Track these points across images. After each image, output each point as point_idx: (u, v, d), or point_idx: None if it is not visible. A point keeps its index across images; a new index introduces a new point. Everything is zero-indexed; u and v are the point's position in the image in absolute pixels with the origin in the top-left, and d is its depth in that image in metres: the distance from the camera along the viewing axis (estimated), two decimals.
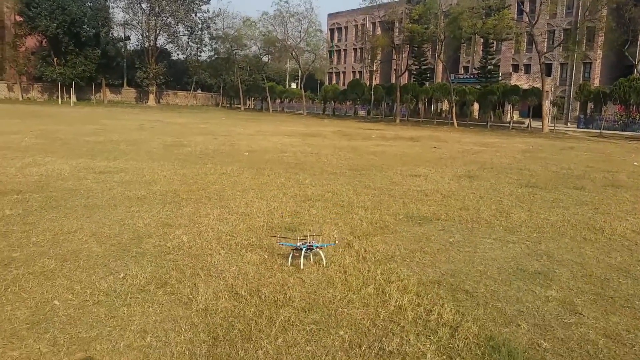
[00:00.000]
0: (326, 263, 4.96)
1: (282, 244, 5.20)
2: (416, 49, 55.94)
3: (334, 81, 79.95)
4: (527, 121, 43.96)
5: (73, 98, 61.71)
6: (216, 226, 6.33)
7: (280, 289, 4.36)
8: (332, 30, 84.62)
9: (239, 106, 72.03)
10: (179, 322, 3.70)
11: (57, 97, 62.52)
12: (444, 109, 57.30)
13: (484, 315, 4.06)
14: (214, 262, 4.99)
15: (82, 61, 61.80)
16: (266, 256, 5.23)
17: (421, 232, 6.61)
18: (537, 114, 43.19)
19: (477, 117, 52.33)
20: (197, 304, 3.99)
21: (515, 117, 49.71)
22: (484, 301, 4.36)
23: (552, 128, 40.65)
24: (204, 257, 5.14)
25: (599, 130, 38.27)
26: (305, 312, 3.95)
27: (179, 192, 8.39)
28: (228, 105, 77.41)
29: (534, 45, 42.61)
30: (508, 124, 44.65)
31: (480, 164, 14.72)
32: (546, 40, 53.90)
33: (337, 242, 5.39)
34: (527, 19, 42.87)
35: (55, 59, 60.65)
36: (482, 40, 52.49)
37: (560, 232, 6.94)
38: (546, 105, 41.38)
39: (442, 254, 5.68)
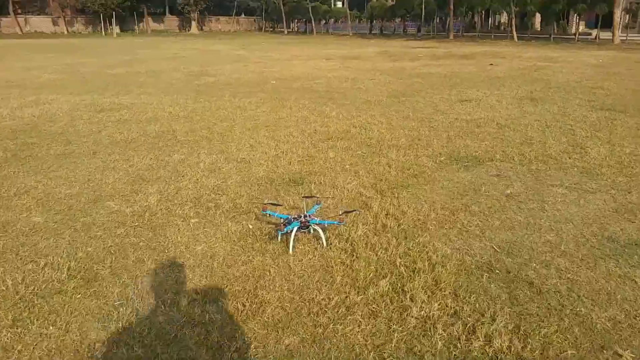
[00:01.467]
0: (327, 243, 3.53)
1: (267, 213, 3.79)
2: None
3: None
4: (594, 32, 39.28)
5: (116, 29, 60.80)
6: (202, 180, 4.99)
7: (252, 286, 3.01)
8: None
9: (282, 30, 69.19)
10: (76, 356, 2.43)
11: (101, 29, 61.83)
12: (502, 21, 52.56)
13: (559, 333, 2.58)
14: (177, 238, 3.68)
15: None
16: (250, 226, 3.87)
17: (468, 180, 5.05)
18: (606, 23, 38.36)
19: (538, 30, 47.64)
20: (119, 320, 2.70)
21: (581, 28, 44.68)
22: (558, 303, 2.86)
23: (624, 38, 36.14)
24: (166, 229, 3.83)
25: None
26: (278, 331, 2.60)
27: (177, 133, 7.07)
28: (271, 29, 74.51)
29: None
30: (574, 36, 40.15)
31: (544, 82, 12.56)
32: None
33: (345, 220, 3.81)
34: None
35: None
36: None
37: None
38: (618, 13, 36.49)
39: (496, 215, 4.14)
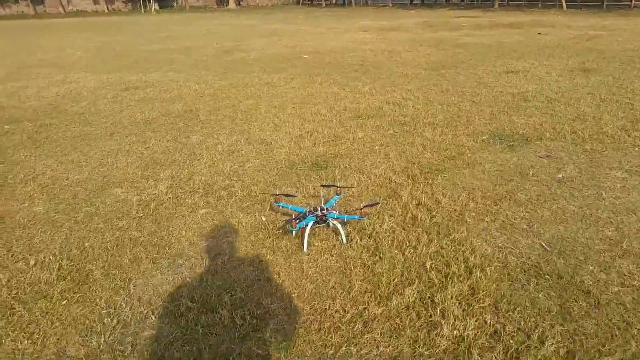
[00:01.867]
0: (346, 239, 3.10)
1: (280, 205, 3.38)
2: None
3: None
4: None
5: (155, 6, 61.06)
6: (217, 164, 4.61)
7: (257, 293, 2.61)
8: None
9: (320, 3, 67.91)
10: None
11: (140, 6, 62.26)
12: None
13: None
14: (181, 232, 3.31)
15: None
16: (263, 218, 3.47)
17: (514, 162, 4.48)
18: None
19: None
20: (103, 333, 2.35)
21: None
22: (621, 319, 2.35)
23: None
24: (171, 221, 3.48)
25: None
26: (280, 351, 2.19)
27: (199, 112, 6.72)
28: (309, 2, 73.31)
29: None
30: (629, 3, 37.58)
31: (597, 52, 11.55)
32: None
33: (367, 216, 3.32)
34: None
35: None
36: None
37: None
38: None
39: (546, 205, 3.59)
